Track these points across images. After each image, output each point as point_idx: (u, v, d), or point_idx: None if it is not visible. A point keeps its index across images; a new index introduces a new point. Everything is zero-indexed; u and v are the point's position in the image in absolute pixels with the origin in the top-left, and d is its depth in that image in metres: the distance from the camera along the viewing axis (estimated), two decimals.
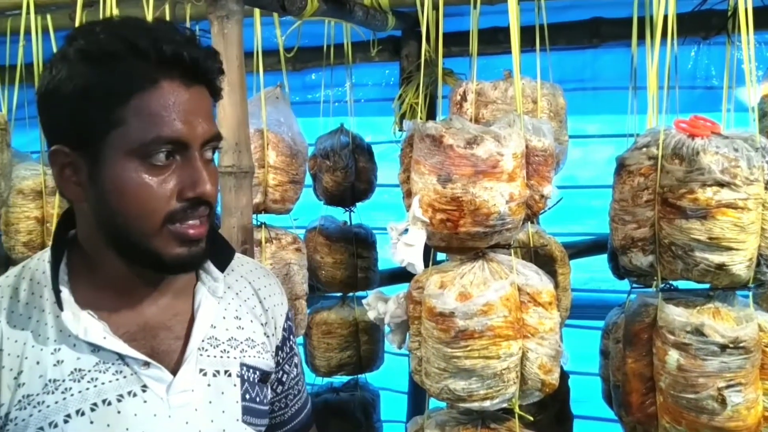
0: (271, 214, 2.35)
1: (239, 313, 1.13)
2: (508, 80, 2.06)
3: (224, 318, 1.10)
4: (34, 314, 1.01)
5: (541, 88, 2.01)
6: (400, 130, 2.92)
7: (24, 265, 1.06)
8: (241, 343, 1.10)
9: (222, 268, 1.12)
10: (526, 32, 2.11)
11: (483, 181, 1.48)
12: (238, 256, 1.20)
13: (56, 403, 0.96)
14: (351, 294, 2.97)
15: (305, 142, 2.42)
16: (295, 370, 1.24)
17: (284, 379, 1.22)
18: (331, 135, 2.90)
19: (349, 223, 2.96)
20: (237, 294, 1.14)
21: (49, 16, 2.52)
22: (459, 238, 1.53)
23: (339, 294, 2.98)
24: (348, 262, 2.88)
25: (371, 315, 1.74)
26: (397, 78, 3.19)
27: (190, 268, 1.04)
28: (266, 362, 1.13)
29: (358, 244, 2.91)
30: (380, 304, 1.71)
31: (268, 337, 1.15)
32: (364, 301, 1.77)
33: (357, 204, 2.97)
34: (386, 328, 1.81)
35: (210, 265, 1.11)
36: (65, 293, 1.00)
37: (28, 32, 2.42)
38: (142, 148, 0.94)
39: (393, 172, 3.32)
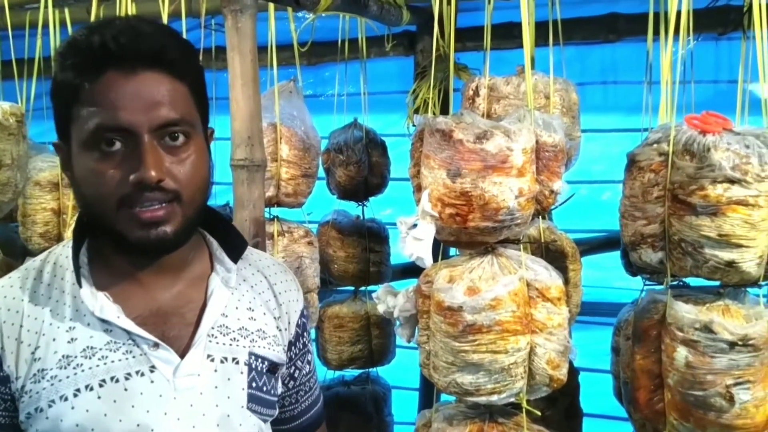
0: (283, 207, 2.36)
1: (252, 304, 1.15)
2: (520, 75, 2.05)
3: (236, 308, 1.12)
4: (54, 294, 1.05)
5: (554, 84, 2.00)
6: (414, 125, 2.93)
7: (51, 251, 1.12)
8: (252, 333, 1.12)
9: (235, 259, 1.14)
10: (542, 27, 2.10)
11: (492, 176, 1.49)
12: (257, 252, 1.24)
13: (68, 377, 1.00)
14: (363, 288, 2.98)
15: (318, 136, 2.43)
16: (307, 366, 1.26)
17: (296, 375, 1.24)
18: (344, 129, 2.91)
19: (361, 217, 2.97)
20: (252, 287, 1.17)
21: (66, 10, 2.55)
22: (468, 233, 1.54)
23: (351, 288, 2.99)
24: (360, 256, 2.89)
25: (381, 308, 1.75)
26: (412, 73, 3.19)
27: (163, 249, 1.04)
28: (276, 354, 1.14)
29: (371, 239, 2.91)
30: (390, 298, 1.72)
31: (280, 330, 1.17)
32: (374, 295, 1.78)
33: (370, 198, 2.97)
34: (396, 322, 1.82)
35: (224, 256, 1.13)
36: (84, 272, 1.05)
37: (45, 26, 2.45)
38: (90, 138, 0.99)
39: (406, 167, 3.34)
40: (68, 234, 2.15)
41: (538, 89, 1.96)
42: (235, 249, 1.15)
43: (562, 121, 1.63)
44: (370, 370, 3.04)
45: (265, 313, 1.15)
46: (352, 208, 3.01)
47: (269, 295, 1.18)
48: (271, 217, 2.33)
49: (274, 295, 1.18)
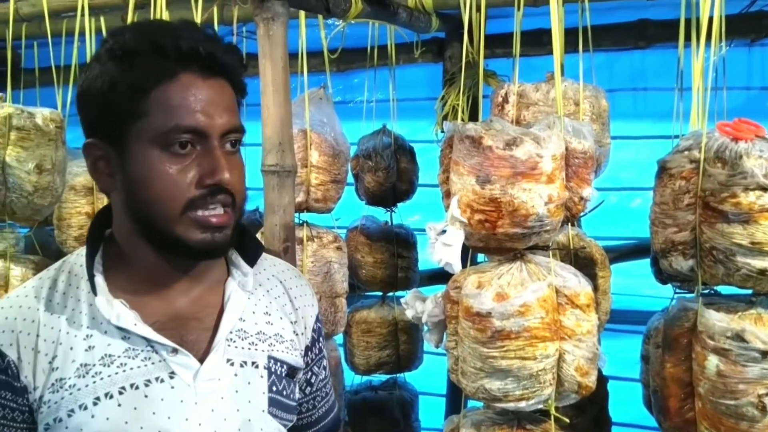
0: (313, 212, 2.38)
1: (269, 309, 1.15)
2: (550, 82, 2.05)
3: (254, 312, 1.13)
4: (70, 303, 1.05)
5: (584, 90, 2.00)
6: (442, 131, 2.94)
7: (65, 260, 1.12)
8: (270, 337, 1.12)
9: (251, 263, 1.14)
10: (572, 34, 2.10)
11: (522, 183, 1.49)
12: (271, 257, 1.24)
13: (86, 386, 1.00)
14: (391, 293, 2.99)
15: (347, 142, 2.45)
16: (323, 372, 1.26)
17: (313, 381, 1.24)
18: (373, 136, 2.93)
19: (390, 223, 2.98)
20: (268, 291, 1.17)
21: (102, 18, 2.61)
22: (497, 239, 1.55)
23: (379, 293, 3.00)
24: (388, 262, 2.90)
25: (409, 314, 1.76)
26: (440, 79, 3.20)
27: (216, 254, 1.05)
28: (294, 358, 1.15)
29: (399, 244, 2.93)
30: (418, 304, 1.73)
31: (297, 335, 1.17)
32: (402, 300, 1.79)
33: (398, 204, 2.99)
34: (424, 327, 1.83)
35: (240, 261, 1.14)
36: (99, 280, 1.05)
37: (82, 33, 2.51)
38: (162, 138, 0.98)
39: (435, 173, 3.35)
40: None
41: (567, 96, 1.96)
42: (251, 253, 1.15)
43: (592, 128, 1.62)
44: (398, 375, 3.04)
45: (281, 318, 1.16)
46: (380, 214, 3.03)
47: (285, 300, 1.18)
48: (301, 222, 2.35)
49: (290, 300, 1.19)
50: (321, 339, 1.24)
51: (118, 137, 1.01)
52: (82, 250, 1.09)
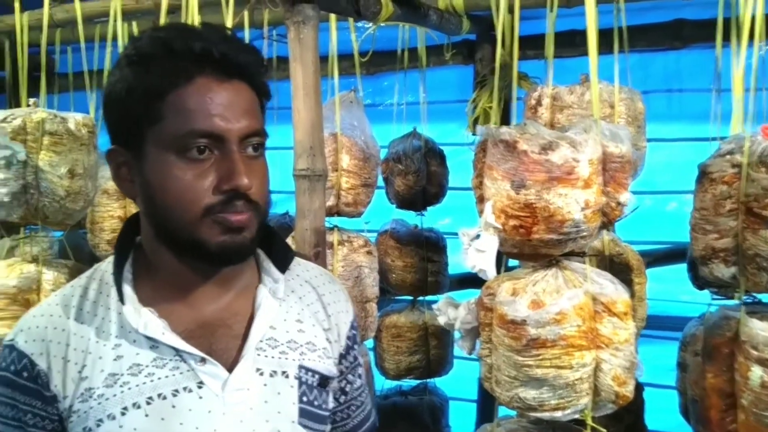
0: (343, 217, 2.37)
1: (301, 316, 1.13)
2: (584, 84, 2.02)
3: (285, 320, 1.10)
4: (100, 312, 1.04)
5: (619, 93, 1.96)
6: (473, 134, 2.91)
7: (96, 267, 1.11)
8: (301, 345, 1.10)
9: (282, 269, 1.12)
10: (605, 35, 2.06)
11: (558, 188, 1.46)
12: (304, 262, 1.21)
13: (114, 396, 0.99)
14: (421, 298, 2.97)
15: (378, 145, 2.43)
16: (358, 380, 1.23)
17: (347, 389, 1.21)
18: (403, 139, 2.91)
19: (419, 226, 2.96)
20: (300, 298, 1.15)
21: (134, 23, 2.62)
22: (532, 245, 1.51)
23: (409, 297, 2.98)
24: (418, 266, 2.88)
25: (441, 320, 1.73)
26: (471, 82, 3.17)
27: (236, 258, 1.03)
28: (326, 367, 1.12)
29: (429, 248, 2.90)
30: (451, 310, 1.70)
31: (330, 343, 1.14)
32: (434, 307, 1.76)
33: (428, 208, 2.97)
34: (456, 334, 1.80)
35: (271, 267, 1.12)
36: (127, 289, 1.04)
37: (114, 39, 2.52)
38: (178, 142, 0.97)
39: (465, 177, 3.32)
40: None
41: (602, 98, 1.92)
42: (281, 259, 1.13)
43: (629, 131, 1.59)
44: (428, 380, 3.02)
45: (314, 325, 1.13)
46: (410, 218, 3.01)
47: (318, 307, 1.15)
48: (331, 226, 2.34)
49: (323, 307, 1.16)
50: (356, 346, 1.21)
51: (136, 143, 1.00)
52: (112, 257, 1.08)
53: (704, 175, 1.56)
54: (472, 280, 3.24)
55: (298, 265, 1.18)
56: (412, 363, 2.89)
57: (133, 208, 2.64)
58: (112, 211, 2.63)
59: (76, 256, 2.47)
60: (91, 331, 1.02)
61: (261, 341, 1.07)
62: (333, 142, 2.26)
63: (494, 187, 1.51)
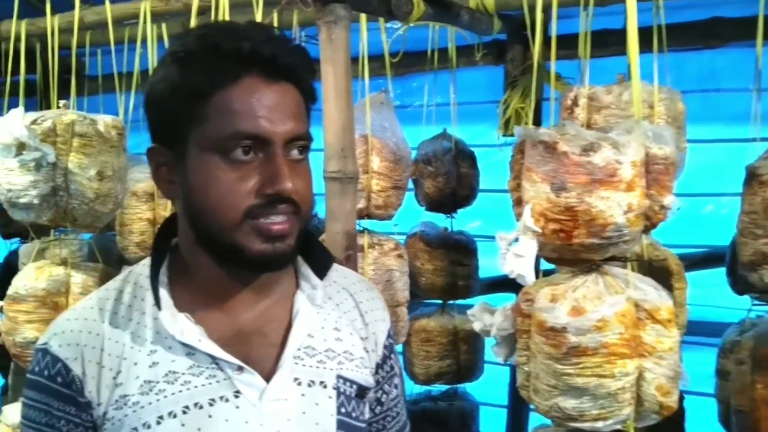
0: (373, 219, 2.34)
1: (339, 324, 1.09)
2: (622, 84, 1.97)
3: (323, 328, 1.07)
4: (135, 316, 1.01)
5: (659, 93, 1.91)
6: (504, 135, 2.87)
7: (131, 270, 1.08)
8: (339, 354, 1.06)
9: (321, 275, 1.09)
10: (640, 33, 2.01)
11: (599, 191, 1.41)
12: (341, 268, 1.18)
13: (150, 404, 0.96)
14: (451, 301, 2.93)
15: (409, 147, 2.40)
16: (394, 390, 1.18)
17: (383, 400, 1.17)
18: (433, 140, 2.88)
19: (449, 229, 2.93)
20: (337, 305, 1.11)
21: (164, 25, 2.62)
22: (572, 250, 1.47)
23: (438, 301, 2.94)
24: (448, 269, 2.84)
25: (476, 326, 1.69)
26: (501, 82, 3.13)
27: (277, 266, 1.00)
28: (364, 377, 1.09)
29: (459, 251, 2.86)
30: (486, 316, 1.66)
31: (367, 352, 1.11)
32: (469, 312, 1.72)
33: (458, 210, 2.93)
34: (492, 341, 1.76)
35: (309, 273, 1.09)
36: (164, 294, 1.01)
37: (144, 41, 2.52)
38: (221, 144, 0.94)
39: (495, 178, 3.28)
40: None
41: (641, 98, 1.86)
42: (320, 265, 1.10)
43: (672, 132, 1.53)
44: (458, 385, 2.98)
45: (351, 334, 1.09)
46: (439, 220, 2.97)
47: (355, 315, 1.12)
48: (361, 229, 2.31)
49: (361, 315, 1.12)
50: (393, 356, 1.17)
51: (178, 143, 0.98)
52: (148, 260, 1.06)
53: (753, 177, 1.50)
54: (503, 284, 3.20)
55: (335, 271, 1.14)
56: (442, 368, 2.85)
57: (161, 211, 2.64)
58: (140, 214, 2.63)
59: (105, 258, 2.47)
60: (126, 336, 1.00)
61: (299, 350, 1.03)
62: (363, 144, 2.23)
63: (533, 190, 1.47)
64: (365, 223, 2.35)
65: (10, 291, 2.21)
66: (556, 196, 1.43)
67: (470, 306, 2.94)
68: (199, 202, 0.97)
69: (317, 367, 1.04)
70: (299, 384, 1.02)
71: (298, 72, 0.98)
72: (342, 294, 1.13)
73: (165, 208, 2.46)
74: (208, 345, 0.98)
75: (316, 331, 1.06)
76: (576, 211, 1.42)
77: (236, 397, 0.98)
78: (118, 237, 2.71)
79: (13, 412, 2.38)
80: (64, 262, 2.24)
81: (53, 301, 2.18)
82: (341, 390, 1.05)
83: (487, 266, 3.04)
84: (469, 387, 3.05)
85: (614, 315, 1.43)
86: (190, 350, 0.99)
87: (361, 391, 1.08)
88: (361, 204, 2.23)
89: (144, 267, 1.06)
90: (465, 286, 2.87)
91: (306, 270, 1.09)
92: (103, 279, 2.23)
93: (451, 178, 2.80)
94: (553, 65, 1.75)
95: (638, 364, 1.48)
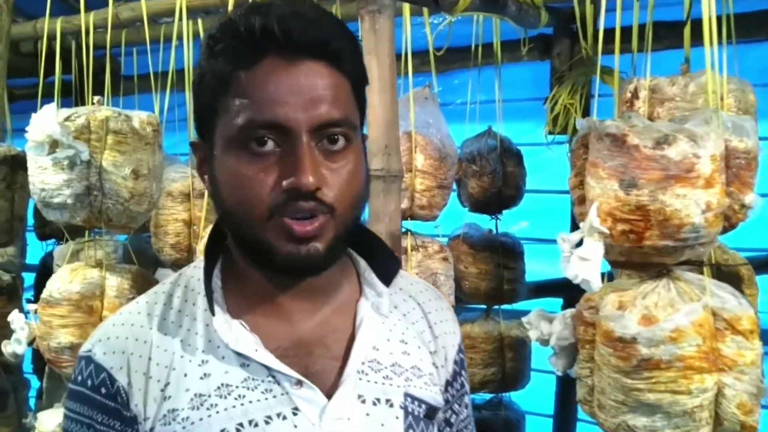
0: (417, 220, 2.24)
1: (406, 336, 0.98)
2: (686, 75, 1.83)
3: (388, 340, 0.96)
4: (185, 322, 0.92)
5: (728, 84, 1.77)
6: (551, 133, 2.75)
7: (181, 273, 0.99)
8: (407, 370, 0.95)
9: (386, 281, 0.98)
10: (698, 25, 1.89)
11: (675, 187, 1.28)
12: (406, 274, 1.06)
13: (201, 420, 0.87)
14: (496, 307, 2.80)
15: (454, 144, 2.29)
16: (465, 410, 1.07)
17: (453, 421, 1.05)
18: (477, 138, 2.76)
19: (494, 231, 2.81)
20: (404, 315, 1.00)
21: (200, 21, 2.55)
22: (643, 253, 1.34)
23: (483, 306, 2.82)
24: (493, 273, 2.72)
25: (533, 335, 1.57)
26: (547, 78, 3.01)
27: (303, 271, 0.89)
28: (434, 396, 0.98)
29: (505, 254, 2.74)
30: (544, 324, 1.54)
31: (437, 368, 1.00)
32: (524, 320, 1.60)
33: (503, 211, 2.81)
34: (539, 347, 1.64)
35: (374, 278, 0.98)
36: (218, 298, 0.92)
37: (179, 38, 2.46)
38: (239, 135, 0.85)
39: (542, 178, 3.15)
40: (199, 246, 2.11)
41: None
42: (386, 270, 0.99)
43: (755, 123, 1.40)
44: (503, 394, 2.85)
45: (419, 347, 0.99)
46: (483, 222, 2.85)
47: (423, 326, 1.01)
48: (404, 230, 2.20)
49: (429, 326, 1.01)
50: (463, 372, 1.06)
51: (209, 135, 0.90)
52: (200, 262, 0.96)
53: None
54: (550, 289, 3.08)
55: (401, 277, 1.03)
56: (487, 376, 2.72)
57: (197, 211, 2.57)
58: (176, 215, 2.55)
59: (140, 260, 2.40)
60: (176, 344, 0.90)
61: (363, 363, 0.93)
62: (407, 141, 2.13)
63: (599, 187, 1.34)
64: (408, 224, 2.24)
65: (44, 294, 2.15)
66: (625, 194, 1.31)
67: (516, 311, 2.85)
68: (224, 198, 0.89)
69: (383, 384, 0.93)
70: (363, 402, 0.91)
71: (329, 47, 0.86)
72: (409, 303, 1.02)
73: (201, 209, 2.38)
74: (265, 355, 0.89)
75: (382, 343, 0.95)
76: (648, 210, 1.29)
77: (295, 414, 0.88)
78: (153, 238, 2.64)
79: (48, 418, 2.33)
80: (98, 264, 2.17)
81: (88, 305, 2.11)
82: (409, 409, 0.93)
83: (534, 270, 2.93)
84: (514, 396, 2.93)
85: (690, 324, 1.30)
86: (244, 361, 0.89)
87: (431, 412, 0.97)
88: (405, 204, 2.13)
89: (196, 269, 0.97)
90: (511, 290, 2.75)
91: (370, 275, 0.98)
92: (139, 282, 2.16)
93: (496, 178, 2.68)
94: (617, 60, 1.62)
95: (717, 380, 1.34)
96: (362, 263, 0.99)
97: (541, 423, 3.15)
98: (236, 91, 0.85)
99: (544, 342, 1.55)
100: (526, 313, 1.77)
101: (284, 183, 0.83)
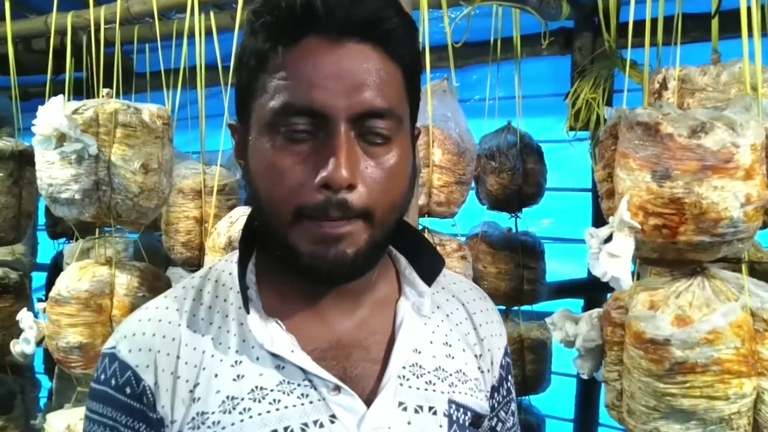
0: (434, 217, 2.17)
1: (449, 338, 0.91)
2: (718, 64, 1.75)
3: (431, 342, 0.89)
4: (217, 319, 0.86)
5: (763, 73, 1.68)
6: (572, 128, 2.67)
7: (211, 267, 0.93)
8: (451, 375, 0.89)
9: (429, 281, 0.91)
10: (730, 16, 1.81)
11: (712, 179, 1.20)
12: (449, 272, 0.99)
13: (233, 425, 0.80)
14: (516, 307, 2.73)
15: (473, 139, 2.22)
16: (511, 419, 1.00)
17: (498, 429, 0.98)
18: (497, 134, 2.69)
19: (514, 230, 2.73)
20: (447, 316, 0.93)
21: (212, 16, 2.49)
22: (677, 249, 1.25)
23: (502, 307, 2.75)
24: (513, 273, 2.65)
25: (558, 336, 1.49)
26: (568, 73, 2.93)
27: (336, 276, 0.82)
28: (479, 402, 0.91)
29: (525, 254, 2.67)
30: (569, 325, 1.46)
31: (482, 372, 0.93)
32: (548, 320, 1.52)
33: (523, 209, 2.73)
34: (561, 349, 1.56)
35: (415, 277, 0.91)
36: (252, 295, 0.86)
37: (191, 35, 2.41)
38: (274, 120, 0.78)
39: (563, 176, 3.07)
40: (208, 243, 2.05)
41: (742, 80, 1.64)
42: (429, 268, 0.91)
43: None
44: (523, 398, 2.78)
45: (464, 350, 0.92)
46: (502, 220, 2.78)
47: (468, 327, 0.94)
48: (421, 228, 2.13)
49: (474, 328, 0.94)
50: (510, 377, 0.99)
51: (245, 118, 0.84)
52: (233, 256, 0.90)
53: None
54: (571, 289, 3.00)
55: (444, 275, 0.96)
56: None
57: (209, 209, 2.51)
58: (187, 212, 2.49)
59: (151, 259, 2.34)
60: (207, 343, 0.84)
61: (404, 368, 0.86)
62: (424, 135, 2.06)
63: (630, 179, 1.26)
64: (425, 221, 2.17)
65: (52, 293, 2.10)
66: (658, 186, 1.22)
67: (536, 312, 2.78)
68: (255, 189, 0.82)
69: (426, 390, 0.86)
70: (405, 409, 0.85)
71: (377, 28, 0.78)
72: (452, 303, 0.95)
73: (211, 206, 2.32)
74: (302, 357, 0.82)
75: (424, 345, 0.89)
76: (683, 203, 1.21)
77: (332, 422, 0.82)
78: (164, 236, 2.59)
79: (57, 419, 2.28)
80: (108, 262, 2.11)
81: (97, 303, 2.05)
82: (453, 417, 0.87)
83: (555, 270, 2.85)
84: (534, 399, 2.86)
85: (729, 326, 1.22)
86: (280, 363, 0.83)
87: (476, 419, 0.90)
88: (422, 200, 2.06)
89: (228, 263, 0.91)
90: (531, 290, 2.68)
91: (411, 274, 0.91)
92: (149, 279, 2.10)
93: (516, 175, 2.61)
94: (647, 51, 1.54)
95: (756, 384, 1.26)
96: (402, 261, 0.93)
97: (562, 427, 3.09)
98: (273, 70, 0.78)
99: (570, 344, 1.47)
100: (546, 314, 1.70)
101: (316, 179, 0.76)
